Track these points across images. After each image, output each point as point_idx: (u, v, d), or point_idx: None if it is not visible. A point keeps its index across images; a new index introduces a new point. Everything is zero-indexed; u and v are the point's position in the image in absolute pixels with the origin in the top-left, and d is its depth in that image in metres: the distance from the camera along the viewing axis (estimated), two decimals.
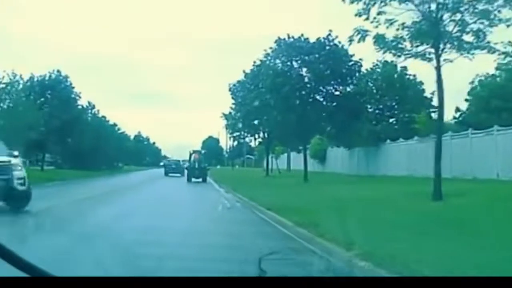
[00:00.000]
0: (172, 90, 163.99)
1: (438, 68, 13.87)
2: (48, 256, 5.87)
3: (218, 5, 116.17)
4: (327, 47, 30.83)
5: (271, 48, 32.28)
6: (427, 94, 40.35)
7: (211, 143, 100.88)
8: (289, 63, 31.44)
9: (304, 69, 31.28)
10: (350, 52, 31.30)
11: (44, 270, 2.07)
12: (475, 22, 13.95)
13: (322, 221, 9.51)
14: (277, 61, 31.92)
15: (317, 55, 30.51)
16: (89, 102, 55.49)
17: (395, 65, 38.73)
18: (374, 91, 38.32)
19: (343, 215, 10.11)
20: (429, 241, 7.73)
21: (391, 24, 14.64)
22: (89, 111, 55.96)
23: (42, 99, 44.07)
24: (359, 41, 14.47)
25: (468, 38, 14.92)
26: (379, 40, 14.54)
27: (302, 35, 31.41)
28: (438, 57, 13.90)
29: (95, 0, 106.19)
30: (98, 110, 58.48)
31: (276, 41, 31.75)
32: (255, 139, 54.58)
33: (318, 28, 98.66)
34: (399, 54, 14.88)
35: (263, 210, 14.01)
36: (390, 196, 14.68)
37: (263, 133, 45.87)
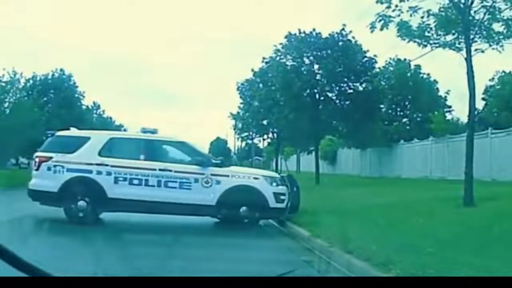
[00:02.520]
0: (178, 90, 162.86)
1: (469, 59, 12.61)
2: None
3: (223, 4, 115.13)
4: (340, 43, 29.49)
5: (281, 44, 30.90)
6: (441, 93, 39.48)
7: (219, 144, 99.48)
8: (300, 59, 30.07)
9: (316, 66, 29.92)
10: (364, 48, 30.06)
11: (44, 270, 2.06)
12: (510, 9, 12.69)
13: (355, 234, 7.76)
14: (288, 57, 30.55)
15: (329, 51, 29.17)
16: (94, 103, 55.02)
17: (409, 63, 37.71)
18: (387, 89, 37.22)
19: (380, 228, 8.64)
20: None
21: (415, 11, 13.45)
22: (94, 111, 55.39)
23: (45, 99, 43.24)
24: (381, 29, 13.22)
25: (497, 27, 13.82)
26: (403, 27, 13.32)
27: (314, 29, 30.03)
28: (468, 46, 12.64)
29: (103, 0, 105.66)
30: (103, 111, 57.89)
31: (286, 36, 30.35)
32: (263, 139, 53.64)
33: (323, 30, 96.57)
34: (425, 43, 13.67)
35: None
36: (420, 201, 13.13)
37: (272, 133, 44.75)
